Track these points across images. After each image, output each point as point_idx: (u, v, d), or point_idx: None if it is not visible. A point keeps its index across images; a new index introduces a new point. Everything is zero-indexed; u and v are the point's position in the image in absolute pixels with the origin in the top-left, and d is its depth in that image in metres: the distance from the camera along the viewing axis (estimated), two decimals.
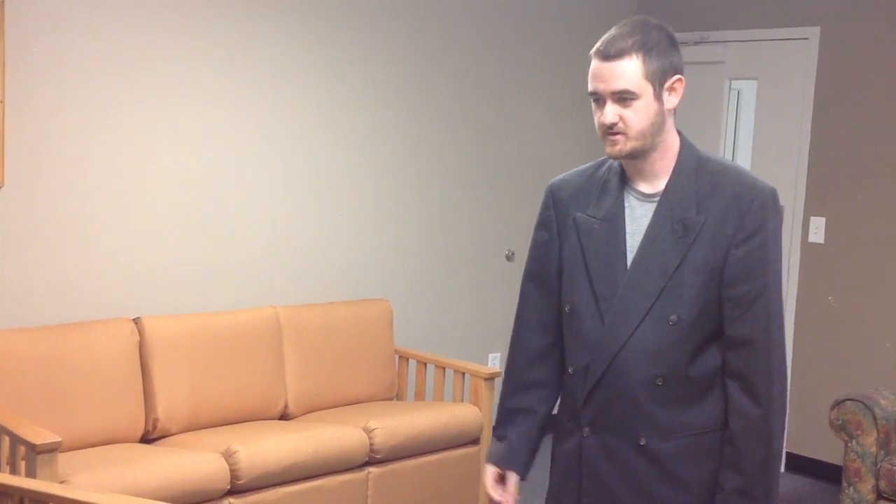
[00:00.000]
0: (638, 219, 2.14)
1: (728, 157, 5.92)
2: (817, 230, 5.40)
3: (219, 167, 4.56)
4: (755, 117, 5.72)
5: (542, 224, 2.29)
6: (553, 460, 2.33)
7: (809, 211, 5.43)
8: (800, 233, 5.46)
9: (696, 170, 2.12)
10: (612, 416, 2.14)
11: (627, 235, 2.14)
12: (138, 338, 4.11)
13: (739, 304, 2.07)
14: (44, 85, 4.02)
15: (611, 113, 2.05)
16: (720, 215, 2.08)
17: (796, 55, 5.46)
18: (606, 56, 2.05)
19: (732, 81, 5.81)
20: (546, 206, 2.28)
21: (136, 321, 4.15)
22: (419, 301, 5.32)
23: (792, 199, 5.48)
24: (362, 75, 5.02)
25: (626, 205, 2.16)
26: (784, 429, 2.13)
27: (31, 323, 3.99)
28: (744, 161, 5.86)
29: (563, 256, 2.22)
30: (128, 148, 4.27)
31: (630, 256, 2.12)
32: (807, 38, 5.41)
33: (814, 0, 5.41)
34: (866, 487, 4.30)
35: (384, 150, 5.15)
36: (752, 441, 2.08)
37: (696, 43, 5.74)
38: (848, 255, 5.31)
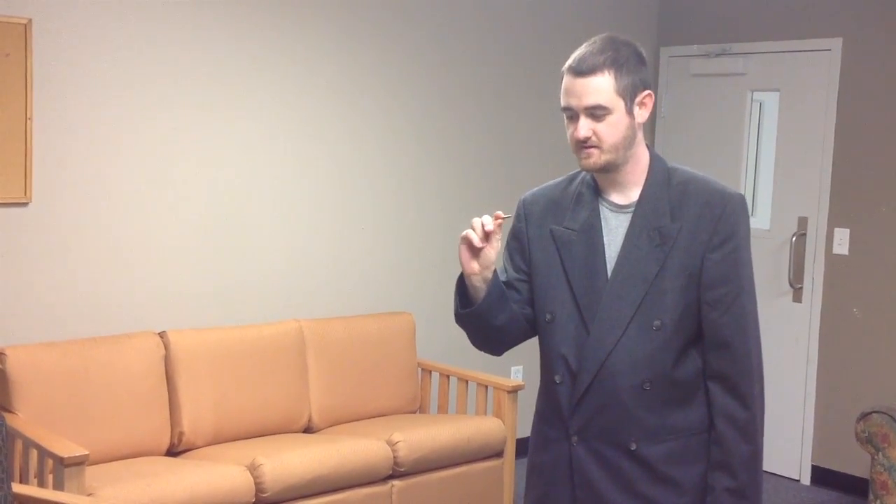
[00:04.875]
0: (613, 229, 2.21)
1: (751, 169, 5.90)
2: (841, 241, 5.37)
3: (243, 181, 4.60)
4: (777, 129, 5.70)
5: (513, 235, 2.35)
6: (532, 470, 2.35)
7: (833, 222, 5.40)
8: (824, 244, 5.43)
9: (666, 180, 2.20)
10: (601, 423, 2.19)
11: (605, 246, 2.20)
12: (164, 351, 4.14)
13: (717, 306, 2.15)
14: (70, 101, 4.07)
15: (584, 127, 2.12)
16: (694, 222, 2.16)
17: (818, 66, 5.45)
18: (579, 72, 2.12)
19: (754, 93, 5.79)
20: (518, 219, 2.35)
21: (162, 335, 4.18)
22: (442, 314, 5.30)
23: (816, 211, 5.46)
24: (386, 90, 5.05)
25: (601, 216, 2.22)
26: (764, 426, 2.20)
27: (57, 337, 4.03)
28: (766, 173, 5.84)
29: (533, 265, 2.28)
30: (153, 163, 4.31)
31: (609, 266, 2.18)
32: (829, 50, 5.40)
33: (836, 11, 5.40)
34: (893, 500, 4.26)
35: (407, 163, 5.18)
36: (740, 441, 2.15)
37: (717, 55, 5.72)
38: (873, 267, 5.28)
